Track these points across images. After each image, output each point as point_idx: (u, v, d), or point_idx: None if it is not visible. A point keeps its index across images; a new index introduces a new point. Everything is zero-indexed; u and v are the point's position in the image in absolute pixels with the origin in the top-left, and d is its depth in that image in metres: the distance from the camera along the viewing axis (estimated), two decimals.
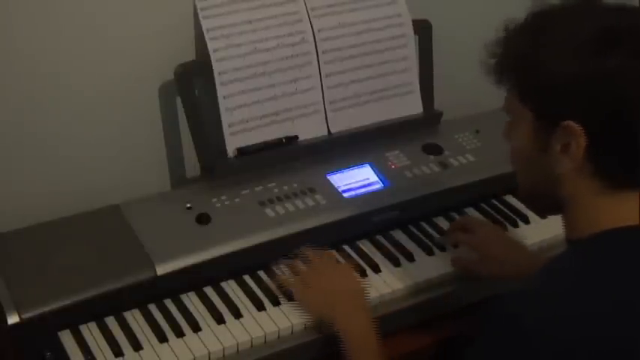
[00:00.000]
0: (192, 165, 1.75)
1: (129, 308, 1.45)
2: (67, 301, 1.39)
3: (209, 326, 1.43)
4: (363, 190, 1.66)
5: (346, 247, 1.61)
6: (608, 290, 1.04)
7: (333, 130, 1.75)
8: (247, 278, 1.53)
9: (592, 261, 1.07)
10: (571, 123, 1.06)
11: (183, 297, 1.49)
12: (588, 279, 1.05)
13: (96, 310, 1.42)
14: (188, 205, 1.58)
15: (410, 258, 1.58)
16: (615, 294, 1.04)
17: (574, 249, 1.12)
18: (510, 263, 1.48)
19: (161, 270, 1.46)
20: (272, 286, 1.50)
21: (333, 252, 1.57)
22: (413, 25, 1.79)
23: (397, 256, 1.58)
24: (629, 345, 1.01)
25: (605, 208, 1.09)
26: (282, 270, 1.52)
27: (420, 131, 1.81)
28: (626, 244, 1.08)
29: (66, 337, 1.39)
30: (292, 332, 1.43)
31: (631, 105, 1.04)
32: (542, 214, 1.32)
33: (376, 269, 1.55)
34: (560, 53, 1.06)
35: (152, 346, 1.39)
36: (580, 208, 1.11)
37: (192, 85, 1.63)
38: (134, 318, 1.44)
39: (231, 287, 1.51)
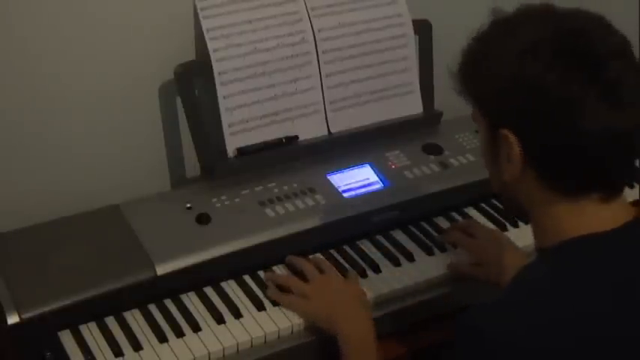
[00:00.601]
0: (192, 165, 1.75)
1: (129, 308, 1.45)
2: (67, 301, 1.39)
3: (209, 326, 1.43)
4: (363, 190, 1.66)
5: (346, 247, 1.61)
6: (572, 299, 1.04)
7: (333, 130, 1.75)
8: (247, 278, 1.53)
9: (556, 270, 1.07)
10: (505, 131, 1.07)
11: (183, 297, 1.49)
12: (552, 288, 1.05)
13: (96, 310, 1.42)
14: (188, 205, 1.58)
15: (410, 258, 1.58)
16: (578, 303, 1.03)
17: (540, 259, 1.13)
18: (508, 269, 1.48)
19: (161, 270, 1.46)
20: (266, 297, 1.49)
21: (320, 256, 1.56)
22: (413, 25, 1.79)
23: (397, 256, 1.58)
24: (591, 352, 1.01)
25: (564, 216, 1.09)
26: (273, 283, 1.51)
27: (420, 131, 1.81)
28: (589, 252, 1.08)
29: (66, 337, 1.39)
30: (292, 332, 1.43)
31: (549, 111, 1.04)
32: (516, 217, 1.31)
33: (376, 269, 1.55)
34: (494, 62, 1.09)
35: (152, 346, 1.39)
36: (541, 216, 1.12)
37: (192, 85, 1.63)
38: (134, 318, 1.44)
39: (231, 287, 1.51)
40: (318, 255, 1.56)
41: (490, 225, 1.66)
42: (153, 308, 1.46)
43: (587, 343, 1.01)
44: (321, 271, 1.50)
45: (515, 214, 1.24)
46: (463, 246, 1.58)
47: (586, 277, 1.06)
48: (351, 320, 1.39)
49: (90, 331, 1.41)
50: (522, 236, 1.61)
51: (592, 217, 1.09)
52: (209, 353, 1.38)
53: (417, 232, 1.65)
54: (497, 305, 1.07)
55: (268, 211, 1.59)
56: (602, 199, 1.09)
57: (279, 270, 1.55)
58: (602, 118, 1.03)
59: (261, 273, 1.54)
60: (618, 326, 1.03)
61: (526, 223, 1.19)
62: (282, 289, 1.49)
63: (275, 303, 1.47)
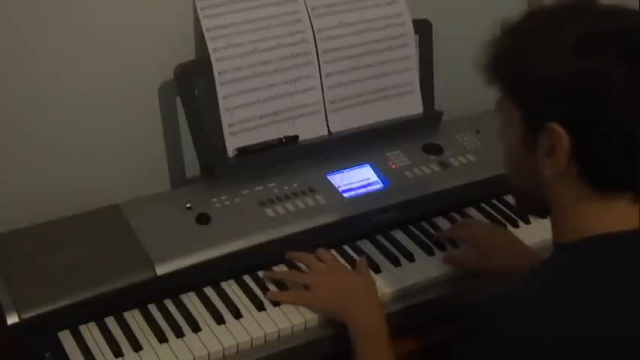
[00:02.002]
0: (192, 165, 1.75)
1: (129, 308, 1.45)
2: (67, 301, 1.39)
3: (209, 326, 1.43)
4: (363, 190, 1.66)
5: (346, 247, 1.61)
6: (593, 296, 1.03)
7: (333, 130, 1.74)
8: (247, 278, 1.53)
9: (577, 267, 1.07)
10: (555, 125, 1.05)
11: (183, 297, 1.49)
12: (572, 284, 1.05)
13: (96, 310, 1.42)
14: (188, 205, 1.58)
15: (410, 258, 1.58)
16: (597, 299, 1.03)
17: (560, 254, 1.12)
18: (506, 258, 1.49)
19: (161, 270, 1.46)
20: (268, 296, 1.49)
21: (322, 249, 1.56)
22: (413, 25, 1.79)
23: (397, 256, 1.58)
24: (608, 348, 1.01)
25: (593, 213, 1.08)
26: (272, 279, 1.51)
27: (420, 131, 1.81)
28: (613, 250, 1.07)
29: (66, 338, 1.39)
30: (292, 332, 1.43)
31: (610, 109, 1.03)
32: (530, 214, 1.30)
33: (376, 269, 1.55)
34: (543, 55, 1.07)
35: (152, 346, 1.39)
36: (567, 212, 1.11)
37: (193, 85, 1.63)
38: (134, 318, 1.44)
39: (231, 287, 1.51)
40: (321, 248, 1.55)
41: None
42: (153, 308, 1.46)
43: (603, 343, 1.01)
44: (322, 261, 1.50)
45: (531, 212, 1.22)
46: (459, 237, 1.59)
47: (609, 275, 1.05)
48: (361, 307, 1.39)
49: (90, 331, 1.41)
50: (523, 236, 1.61)
51: (621, 215, 1.08)
52: (209, 353, 1.38)
53: (417, 232, 1.65)
54: (513, 295, 1.06)
55: (268, 211, 1.59)
56: (632, 200, 1.08)
57: (279, 269, 1.55)
58: None
59: (261, 273, 1.54)
60: (636, 327, 1.02)
61: (543, 217, 1.16)
62: (283, 286, 1.49)
63: (276, 303, 1.47)
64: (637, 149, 1.04)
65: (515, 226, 1.69)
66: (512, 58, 1.11)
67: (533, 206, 1.21)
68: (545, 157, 1.08)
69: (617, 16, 1.07)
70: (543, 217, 1.19)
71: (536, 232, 1.64)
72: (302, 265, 1.52)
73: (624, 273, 1.06)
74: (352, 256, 1.58)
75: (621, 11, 1.09)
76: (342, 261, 1.56)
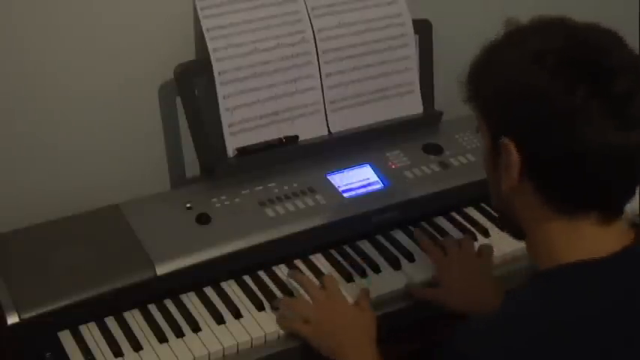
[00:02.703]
0: (192, 165, 1.75)
1: (129, 308, 1.45)
2: (67, 301, 1.39)
3: (209, 326, 1.43)
4: (363, 190, 1.66)
5: (346, 247, 1.61)
6: (561, 329, 1.01)
7: (333, 130, 1.74)
8: (247, 278, 1.53)
9: (546, 298, 1.04)
10: (505, 140, 1.05)
11: (183, 297, 1.49)
12: (541, 317, 1.02)
13: (96, 310, 1.42)
14: (188, 205, 1.58)
15: (410, 258, 1.58)
16: (568, 333, 1.00)
17: (532, 282, 1.09)
18: (472, 296, 1.44)
19: (161, 270, 1.46)
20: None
21: (331, 276, 1.51)
22: (413, 25, 1.79)
23: (397, 256, 1.58)
24: None
25: (559, 236, 1.07)
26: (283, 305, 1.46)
27: (420, 131, 1.81)
28: (583, 280, 1.04)
29: (66, 337, 1.39)
30: (292, 332, 1.43)
31: (552, 124, 1.01)
32: (513, 236, 1.29)
33: (376, 269, 1.55)
34: (499, 70, 1.07)
35: (152, 346, 1.39)
36: (536, 235, 1.10)
37: (193, 85, 1.63)
38: (134, 318, 1.44)
39: (231, 287, 1.51)
40: (326, 276, 1.50)
41: (490, 225, 1.66)
42: (153, 308, 1.46)
43: None
44: (326, 290, 1.44)
45: (509, 232, 1.21)
46: (431, 257, 1.54)
47: (577, 307, 1.03)
48: (355, 352, 1.35)
49: (90, 331, 1.41)
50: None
51: (589, 240, 1.06)
52: (209, 353, 1.38)
53: None
54: (483, 330, 1.04)
55: (268, 211, 1.59)
56: (600, 221, 1.06)
57: (280, 270, 1.55)
58: (605, 133, 0.99)
59: (261, 273, 1.54)
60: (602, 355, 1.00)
61: (520, 239, 1.16)
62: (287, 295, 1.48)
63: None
64: (587, 166, 1.02)
65: None
66: (477, 72, 1.12)
67: (510, 227, 1.18)
68: (503, 172, 1.08)
69: (575, 31, 1.06)
70: (520, 239, 1.16)
71: None
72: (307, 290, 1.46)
73: (593, 305, 1.03)
74: (352, 256, 1.58)
75: (587, 27, 1.07)
76: (343, 262, 1.57)
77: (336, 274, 1.54)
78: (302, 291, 1.47)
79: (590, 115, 1.00)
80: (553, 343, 1.00)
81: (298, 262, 1.57)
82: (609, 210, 1.07)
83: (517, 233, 1.16)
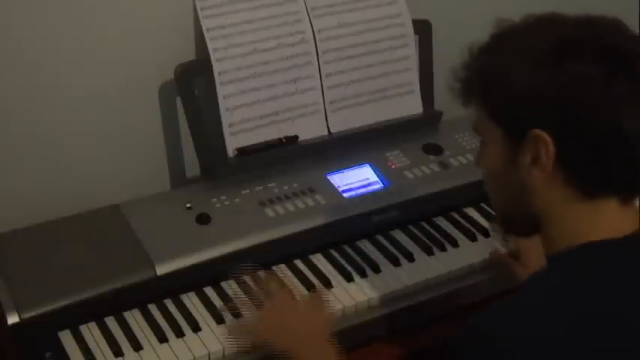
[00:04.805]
0: (192, 165, 1.75)
1: (129, 308, 1.45)
2: (67, 301, 1.39)
3: (209, 326, 1.43)
4: (363, 190, 1.66)
5: (346, 247, 1.61)
6: (586, 307, 1.03)
7: (333, 130, 1.75)
8: (247, 278, 1.53)
9: (570, 276, 1.06)
10: (539, 132, 1.05)
11: (183, 297, 1.49)
12: (566, 295, 1.04)
13: (96, 310, 1.42)
14: (188, 205, 1.58)
15: (410, 258, 1.58)
16: (592, 311, 1.02)
17: (551, 265, 1.11)
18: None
19: (161, 270, 1.46)
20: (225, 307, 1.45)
21: (274, 272, 1.51)
22: (413, 25, 1.79)
23: (397, 256, 1.58)
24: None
25: (579, 220, 1.08)
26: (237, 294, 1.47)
27: (420, 131, 1.81)
28: (605, 258, 1.07)
29: (66, 337, 1.39)
30: None
31: (591, 109, 1.03)
32: (521, 236, 1.30)
33: (376, 269, 1.55)
34: (520, 64, 1.07)
35: (152, 346, 1.39)
36: (555, 223, 1.10)
37: (193, 85, 1.63)
38: (134, 318, 1.44)
39: (231, 287, 1.51)
40: (282, 266, 1.51)
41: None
42: (153, 308, 1.46)
43: (598, 355, 1.00)
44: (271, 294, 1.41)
45: (517, 233, 1.22)
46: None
47: (601, 284, 1.05)
48: (307, 345, 1.33)
49: (90, 331, 1.41)
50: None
51: (609, 221, 1.08)
52: (209, 353, 1.38)
53: (417, 232, 1.65)
54: (508, 310, 1.05)
55: (268, 211, 1.59)
56: (620, 203, 1.08)
57: (280, 270, 1.55)
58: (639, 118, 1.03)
59: (261, 273, 1.54)
60: (633, 338, 1.02)
61: (529, 236, 1.17)
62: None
63: None
64: (624, 150, 1.04)
65: None
66: (486, 75, 1.11)
67: (518, 227, 1.19)
68: (531, 167, 1.08)
69: (589, 22, 1.08)
70: (529, 236, 1.18)
71: None
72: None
73: (616, 282, 1.05)
74: (352, 256, 1.58)
75: (591, 18, 1.09)
76: (343, 262, 1.57)
77: (336, 274, 1.54)
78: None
79: (630, 102, 1.03)
80: (578, 322, 1.01)
81: (298, 262, 1.57)
82: (633, 192, 1.10)
83: (526, 231, 1.17)
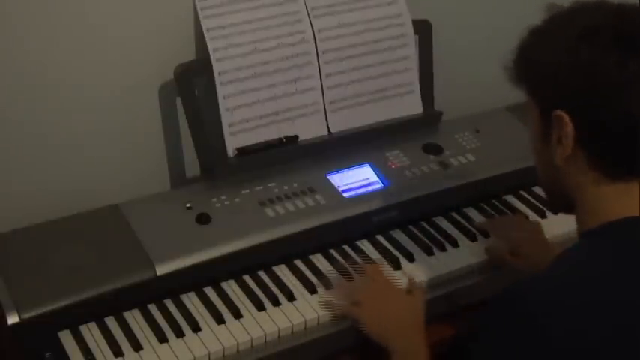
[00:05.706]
0: (192, 165, 1.75)
1: (129, 308, 1.45)
2: (67, 301, 1.39)
3: (209, 326, 1.43)
4: (363, 190, 1.66)
5: (346, 247, 1.61)
6: (614, 280, 1.07)
7: (333, 130, 1.75)
8: (247, 278, 1.53)
9: (599, 251, 1.10)
10: (559, 112, 1.11)
11: (183, 297, 1.49)
12: (594, 269, 1.08)
13: (96, 310, 1.42)
14: (188, 205, 1.58)
15: (410, 258, 1.58)
16: (621, 284, 1.06)
17: (583, 240, 1.15)
18: (536, 252, 1.52)
19: (161, 270, 1.46)
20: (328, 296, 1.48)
21: (382, 264, 1.55)
22: (413, 25, 1.79)
23: (397, 256, 1.58)
24: (633, 333, 1.03)
25: (610, 199, 1.13)
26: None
27: (420, 131, 1.81)
28: (634, 234, 1.11)
29: (66, 337, 1.39)
30: (292, 332, 1.43)
31: (606, 94, 1.08)
32: (560, 211, 1.35)
33: None
34: (548, 47, 1.13)
35: (152, 346, 1.39)
36: (586, 201, 1.15)
37: (193, 85, 1.63)
38: (134, 318, 1.44)
39: (231, 287, 1.51)
40: (379, 259, 1.55)
41: None
42: (153, 308, 1.46)
43: (623, 331, 1.03)
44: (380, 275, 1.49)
45: (559, 208, 1.27)
46: (500, 237, 1.60)
47: (630, 259, 1.09)
48: (402, 337, 1.38)
49: (90, 331, 1.41)
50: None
51: (634, 200, 1.12)
52: (209, 353, 1.38)
53: (417, 232, 1.65)
54: (542, 279, 1.09)
55: (268, 211, 1.59)
56: None
57: (280, 270, 1.55)
58: None
59: (261, 273, 1.54)
60: None
61: (571, 213, 1.21)
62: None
63: (275, 303, 1.47)
64: (636, 133, 1.08)
65: None
66: (526, 52, 1.17)
67: (560, 202, 1.24)
68: (555, 145, 1.13)
69: (621, 10, 1.12)
70: (571, 212, 1.22)
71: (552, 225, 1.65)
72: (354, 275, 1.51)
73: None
74: (352, 256, 1.58)
75: (628, 6, 1.13)
76: (343, 262, 1.57)
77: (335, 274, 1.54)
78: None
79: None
80: (605, 296, 1.05)
81: (298, 262, 1.57)
82: None
83: (567, 207, 1.21)
